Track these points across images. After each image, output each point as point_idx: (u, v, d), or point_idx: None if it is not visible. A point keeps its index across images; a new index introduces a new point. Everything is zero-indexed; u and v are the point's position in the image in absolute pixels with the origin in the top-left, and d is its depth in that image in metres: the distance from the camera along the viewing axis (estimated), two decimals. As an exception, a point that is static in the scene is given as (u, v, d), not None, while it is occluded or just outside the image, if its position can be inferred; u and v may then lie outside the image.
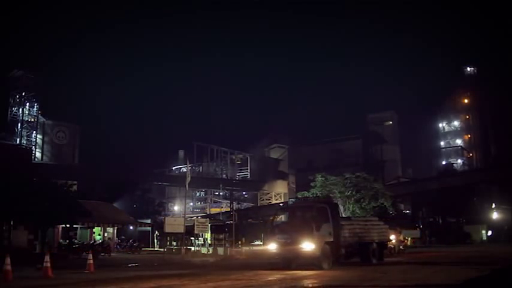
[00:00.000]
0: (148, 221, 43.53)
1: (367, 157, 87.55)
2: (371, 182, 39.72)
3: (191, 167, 60.66)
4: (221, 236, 38.34)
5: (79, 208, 29.08)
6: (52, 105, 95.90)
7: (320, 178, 39.71)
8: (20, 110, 70.93)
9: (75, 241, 33.29)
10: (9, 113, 70.56)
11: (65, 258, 25.46)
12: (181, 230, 28.11)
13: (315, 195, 37.05)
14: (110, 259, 28.10)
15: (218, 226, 40.23)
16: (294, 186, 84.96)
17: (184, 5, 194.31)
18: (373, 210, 38.25)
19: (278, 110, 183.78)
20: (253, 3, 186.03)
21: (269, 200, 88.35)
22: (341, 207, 37.42)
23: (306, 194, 39.04)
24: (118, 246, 38.46)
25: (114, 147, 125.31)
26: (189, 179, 30.37)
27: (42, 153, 72.01)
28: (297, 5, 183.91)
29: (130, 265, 22.63)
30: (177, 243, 37.37)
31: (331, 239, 17.73)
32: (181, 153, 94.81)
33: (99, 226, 35.69)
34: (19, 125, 70.07)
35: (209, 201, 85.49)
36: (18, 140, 67.51)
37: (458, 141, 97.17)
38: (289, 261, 17.90)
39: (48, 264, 15.63)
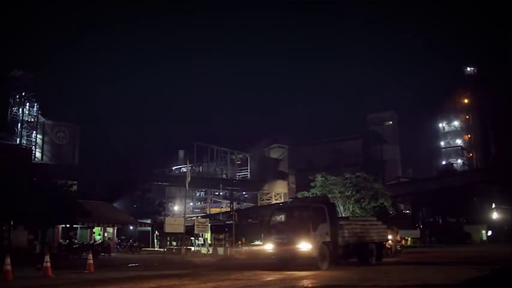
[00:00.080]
0: (148, 221, 43.55)
1: (367, 157, 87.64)
2: (371, 182, 39.75)
3: (191, 167, 60.59)
4: (221, 236, 38.27)
5: (79, 208, 29.13)
6: (52, 105, 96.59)
7: (320, 178, 39.77)
8: (20, 110, 70.92)
9: (75, 241, 33.26)
10: (9, 113, 70.56)
11: (65, 258, 25.43)
12: (181, 230, 28.07)
13: (314, 195, 37.01)
14: (110, 259, 28.10)
15: (218, 226, 40.15)
16: (294, 186, 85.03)
17: (184, 5, 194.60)
18: (373, 210, 38.27)
19: (278, 110, 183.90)
20: (253, 3, 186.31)
21: (269, 200, 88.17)
22: (341, 207, 37.58)
23: (306, 194, 39.01)
24: (118, 246, 38.45)
25: (114, 147, 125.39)
26: (189, 179, 30.32)
27: (42, 153, 71.98)
28: (297, 4, 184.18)
29: (130, 265, 22.62)
30: (177, 243, 37.36)
31: (329, 239, 17.61)
32: (181, 153, 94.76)
33: (99, 226, 35.68)
34: (19, 125, 70.07)
35: (209, 201, 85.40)
36: (18, 140, 67.51)
37: (458, 141, 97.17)
38: (286, 261, 17.74)
39: (48, 264, 15.66)
